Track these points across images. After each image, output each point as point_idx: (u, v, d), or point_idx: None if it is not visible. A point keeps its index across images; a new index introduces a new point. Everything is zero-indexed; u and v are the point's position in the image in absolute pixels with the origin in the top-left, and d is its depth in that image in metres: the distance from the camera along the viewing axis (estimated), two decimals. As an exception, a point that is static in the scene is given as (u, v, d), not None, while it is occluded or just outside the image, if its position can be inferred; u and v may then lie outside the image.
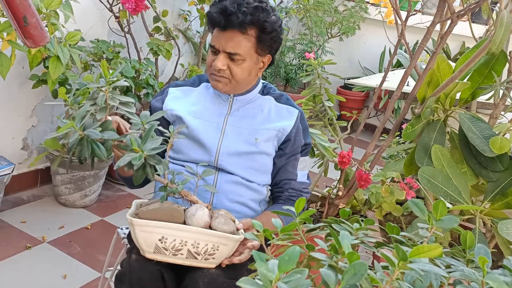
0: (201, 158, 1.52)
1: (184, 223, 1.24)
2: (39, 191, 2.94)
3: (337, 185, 2.09)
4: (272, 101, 1.61)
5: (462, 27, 3.60)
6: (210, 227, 1.26)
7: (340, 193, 2.02)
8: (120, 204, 2.97)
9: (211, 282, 1.28)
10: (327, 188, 2.25)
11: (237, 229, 1.30)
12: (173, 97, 1.59)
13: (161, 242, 1.20)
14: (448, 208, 0.94)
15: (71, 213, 2.79)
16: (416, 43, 4.76)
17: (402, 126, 2.37)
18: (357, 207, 2.19)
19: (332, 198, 2.06)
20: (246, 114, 1.58)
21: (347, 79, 4.68)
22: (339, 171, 2.16)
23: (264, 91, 1.63)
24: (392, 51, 5.02)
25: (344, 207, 2.05)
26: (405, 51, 4.31)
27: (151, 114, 1.58)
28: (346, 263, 0.77)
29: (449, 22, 1.72)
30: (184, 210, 1.27)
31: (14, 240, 2.45)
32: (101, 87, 1.12)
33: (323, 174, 2.33)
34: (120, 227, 1.86)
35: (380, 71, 5.06)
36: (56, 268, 2.29)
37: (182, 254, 1.22)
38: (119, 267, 1.88)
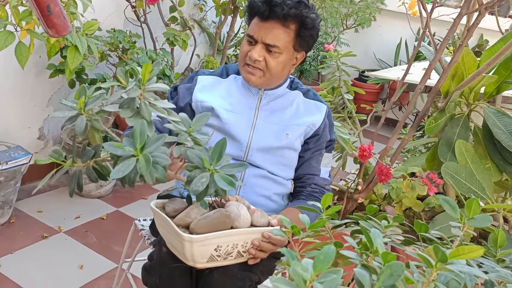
0: (230, 152, 1.48)
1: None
2: (55, 181, 2.94)
3: (356, 179, 2.06)
4: (300, 96, 1.60)
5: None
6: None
7: (359, 187, 1.99)
8: (135, 195, 2.98)
9: (225, 272, 1.27)
10: (343, 182, 2.22)
11: (271, 225, 1.26)
12: (202, 86, 1.56)
13: (216, 251, 1.15)
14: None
15: (86, 203, 2.79)
16: (434, 35, 4.68)
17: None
18: (376, 201, 2.16)
19: (350, 193, 2.04)
20: (275, 109, 1.56)
21: (362, 72, 4.62)
22: (355, 165, 2.13)
23: (292, 86, 1.61)
24: (408, 43, 4.95)
25: (363, 202, 2.03)
26: (429, 44, 4.24)
27: (175, 98, 1.51)
28: (378, 262, 0.75)
29: (475, 14, 1.67)
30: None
31: (31, 230, 2.46)
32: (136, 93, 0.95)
33: (341, 168, 2.30)
34: (138, 218, 1.85)
35: (395, 64, 4.99)
36: (73, 258, 2.30)
37: (231, 256, 1.19)
38: (139, 258, 1.88)
